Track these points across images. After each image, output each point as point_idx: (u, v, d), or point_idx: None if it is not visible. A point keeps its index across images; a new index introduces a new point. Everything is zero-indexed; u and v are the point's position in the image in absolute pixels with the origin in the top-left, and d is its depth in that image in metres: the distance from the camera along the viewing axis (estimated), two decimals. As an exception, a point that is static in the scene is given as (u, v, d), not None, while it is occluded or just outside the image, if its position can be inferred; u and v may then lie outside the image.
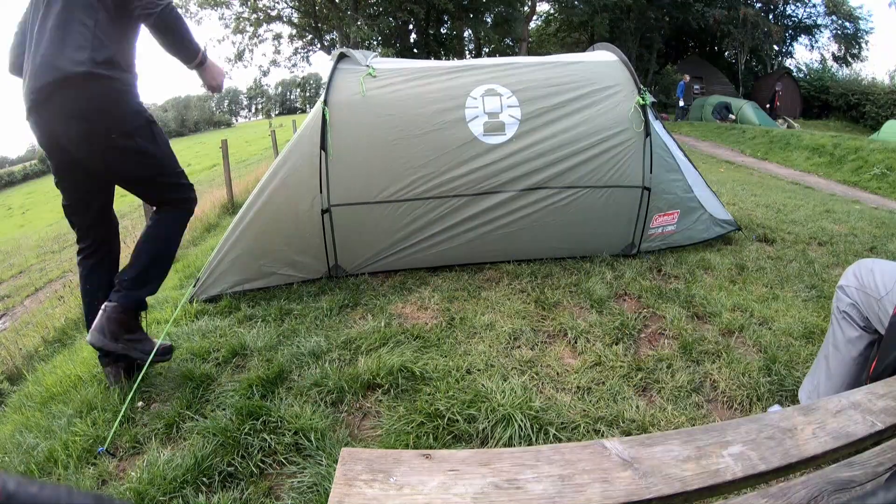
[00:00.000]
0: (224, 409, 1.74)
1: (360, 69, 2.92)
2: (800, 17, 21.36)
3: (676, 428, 1.59)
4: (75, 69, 1.57)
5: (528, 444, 1.54)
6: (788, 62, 22.36)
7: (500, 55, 17.68)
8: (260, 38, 17.72)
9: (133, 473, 1.51)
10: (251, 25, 17.22)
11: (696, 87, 21.59)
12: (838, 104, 19.69)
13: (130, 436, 1.70)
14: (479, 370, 1.93)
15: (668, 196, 3.06)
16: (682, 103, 17.37)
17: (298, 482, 1.44)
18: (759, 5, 20.30)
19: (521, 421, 1.60)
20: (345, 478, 0.58)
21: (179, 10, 1.79)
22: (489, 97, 2.89)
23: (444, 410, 1.65)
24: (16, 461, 1.68)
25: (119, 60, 1.67)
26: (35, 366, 2.92)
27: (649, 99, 2.96)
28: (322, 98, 2.75)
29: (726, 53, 22.48)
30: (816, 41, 21.73)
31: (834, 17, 20.56)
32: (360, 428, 1.71)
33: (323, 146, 2.70)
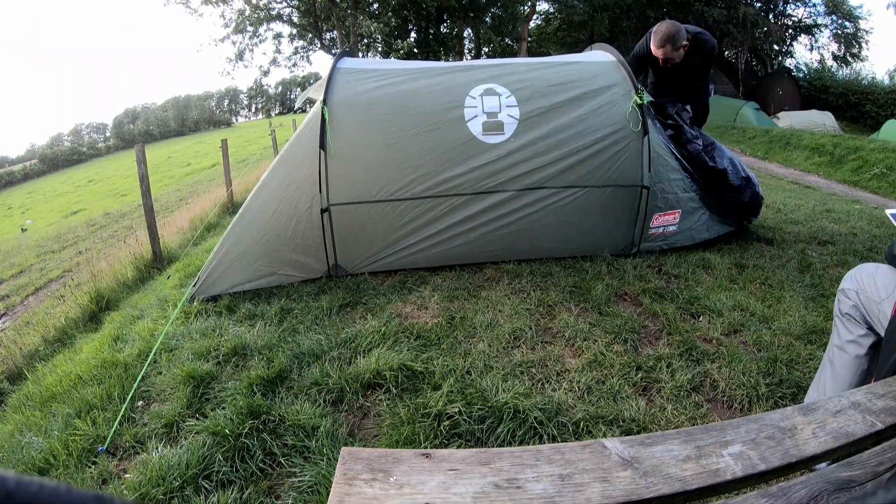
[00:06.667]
0: (224, 409, 1.74)
1: (360, 69, 2.92)
2: (800, 16, 21.32)
3: (676, 427, 1.59)
4: None
5: (528, 444, 1.54)
6: (788, 62, 22.32)
7: (500, 55, 17.65)
8: (260, 37, 17.76)
9: (133, 473, 1.51)
10: (251, 25, 17.23)
11: (696, 86, 21.50)
12: (838, 104, 19.65)
13: (130, 435, 1.71)
14: (479, 370, 1.93)
15: (668, 195, 3.06)
16: None
17: (298, 482, 1.44)
18: (758, 5, 20.26)
19: (521, 420, 1.60)
20: (345, 477, 0.58)
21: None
22: (488, 97, 2.89)
23: (444, 409, 1.65)
24: (16, 460, 1.69)
25: None
26: (35, 365, 2.91)
27: (647, 98, 2.97)
28: (322, 98, 2.75)
29: (726, 53, 22.44)
30: (816, 41, 21.69)
31: (834, 17, 20.51)
32: (360, 427, 1.71)
33: (322, 145, 2.70)
